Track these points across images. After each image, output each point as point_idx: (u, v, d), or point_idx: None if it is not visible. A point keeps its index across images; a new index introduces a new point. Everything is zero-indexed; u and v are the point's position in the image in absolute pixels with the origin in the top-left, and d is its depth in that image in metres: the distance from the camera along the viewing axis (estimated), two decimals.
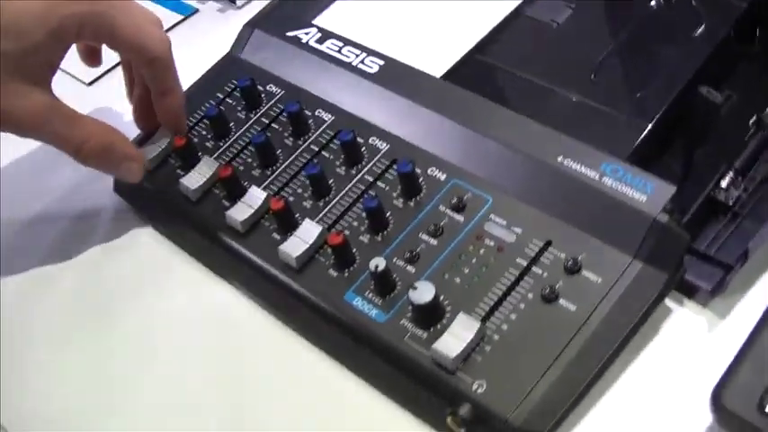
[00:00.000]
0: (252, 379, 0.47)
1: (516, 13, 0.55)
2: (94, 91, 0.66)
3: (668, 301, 0.45)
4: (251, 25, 0.58)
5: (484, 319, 0.42)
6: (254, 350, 0.48)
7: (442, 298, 0.43)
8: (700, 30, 0.53)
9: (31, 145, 0.58)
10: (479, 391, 0.41)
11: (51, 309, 0.52)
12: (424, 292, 0.42)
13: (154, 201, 0.53)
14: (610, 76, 0.52)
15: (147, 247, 0.54)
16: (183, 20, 0.70)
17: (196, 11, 0.71)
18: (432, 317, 0.43)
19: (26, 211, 0.58)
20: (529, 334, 0.42)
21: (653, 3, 0.55)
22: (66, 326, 0.51)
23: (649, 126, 0.48)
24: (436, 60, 0.52)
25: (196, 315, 0.50)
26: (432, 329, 0.43)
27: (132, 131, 0.56)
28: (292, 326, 0.48)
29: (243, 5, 0.69)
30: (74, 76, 0.66)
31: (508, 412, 0.40)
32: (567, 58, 0.54)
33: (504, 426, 0.40)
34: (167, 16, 0.70)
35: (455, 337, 0.41)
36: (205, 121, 0.54)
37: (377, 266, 0.44)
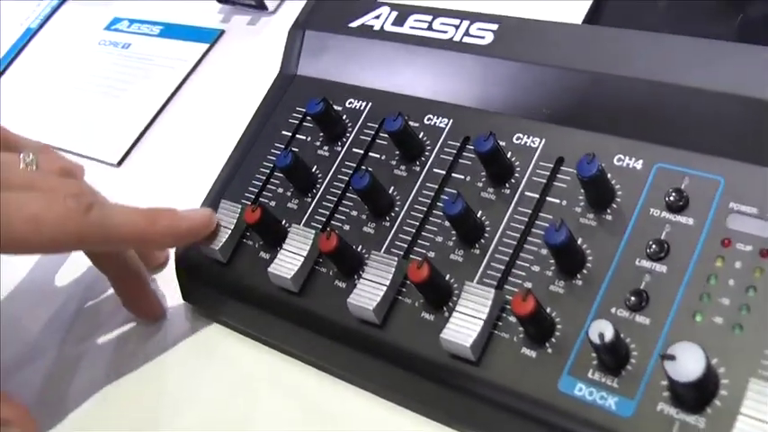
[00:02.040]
0: None
1: None
2: (124, 172, 0.53)
3: None
4: (299, 27, 0.43)
5: None
6: None
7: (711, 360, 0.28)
8: None
9: None
10: None
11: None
12: (689, 360, 0.27)
13: (237, 300, 0.39)
14: None
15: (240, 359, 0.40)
16: (211, 47, 0.56)
17: (222, 32, 0.57)
18: (704, 393, 0.28)
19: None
20: None
21: None
22: None
23: None
24: (566, 6, 0.37)
25: None
26: (708, 409, 0.28)
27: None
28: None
29: (276, 9, 0.54)
30: (101, 161, 0.54)
31: None
32: None
33: None
34: (192, 49, 0.57)
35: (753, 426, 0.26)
36: (278, 174, 0.39)
37: (602, 335, 0.29)
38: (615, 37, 0.35)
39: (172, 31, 0.60)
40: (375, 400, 0.36)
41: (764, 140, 0.31)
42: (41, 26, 0.70)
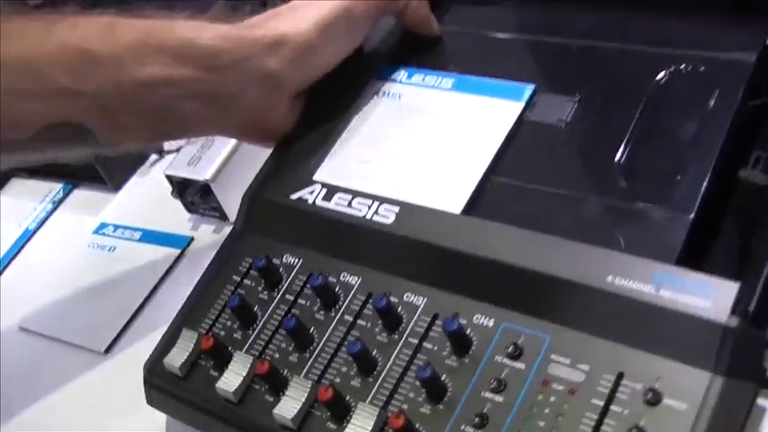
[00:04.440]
0: None
1: (520, 122, 0.52)
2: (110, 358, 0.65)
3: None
4: (251, 195, 0.55)
5: None
6: None
7: None
8: (714, 97, 0.50)
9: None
10: None
11: None
12: None
13: (192, 408, 0.50)
14: (634, 170, 0.49)
15: None
16: (182, 252, 0.69)
17: (192, 239, 0.70)
18: None
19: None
20: None
21: (659, 76, 0.53)
22: None
23: (692, 217, 0.45)
24: (452, 195, 0.50)
25: None
26: None
27: None
28: None
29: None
30: (89, 349, 0.65)
31: None
32: (584, 158, 0.51)
33: None
34: (167, 254, 0.70)
35: None
36: (228, 311, 0.51)
37: None
38: (481, 225, 0.48)
39: (150, 236, 0.73)
40: None
41: (579, 311, 0.44)
42: (38, 228, 0.82)
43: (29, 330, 0.70)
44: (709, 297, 0.41)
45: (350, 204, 0.52)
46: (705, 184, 0.46)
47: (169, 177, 0.68)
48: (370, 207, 0.51)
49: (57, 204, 0.84)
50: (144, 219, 0.76)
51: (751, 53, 0.50)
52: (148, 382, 0.52)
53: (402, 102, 0.56)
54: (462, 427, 0.42)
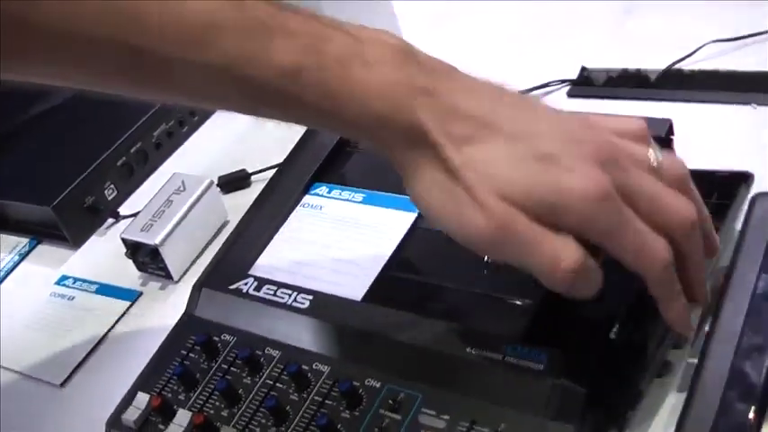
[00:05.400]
0: None
1: (413, 228, 0.66)
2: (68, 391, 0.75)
3: None
4: (199, 286, 0.69)
5: None
6: None
7: None
8: None
9: None
10: None
11: None
12: None
13: None
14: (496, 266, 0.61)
15: None
16: (132, 304, 0.80)
17: (141, 294, 0.81)
18: None
19: None
20: None
21: None
22: None
23: (536, 304, 0.58)
24: (355, 285, 0.63)
25: None
26: None
27: None
28: None
29: (180, 278, 0.80)
30: (43, 381, 0.76)
31: None
32: (461, 257, 0.64)
33: None
34: (118, 306, 0.80)
35: None
36: (174, 377, 0.63)
37: None
38: (375, 310, 0.61)
39: (104, 289, 0.83)
40: None
41: (445, 374, 0.56)
42: (5, 277, 0.92)
43: None
44: (543, 362, 0.53)
45: (275, 294, 0.64)
46: None
47: (124, 240, 0.79)
48: (290, 295, 0.64)
49: (23, 257, 0.93)
50: (100, 273, 0.86)
51: None
52: None
53: (323, 212, 0.70)
54: None
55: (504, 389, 0.54)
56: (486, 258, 0.61)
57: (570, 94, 0.81)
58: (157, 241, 0.77)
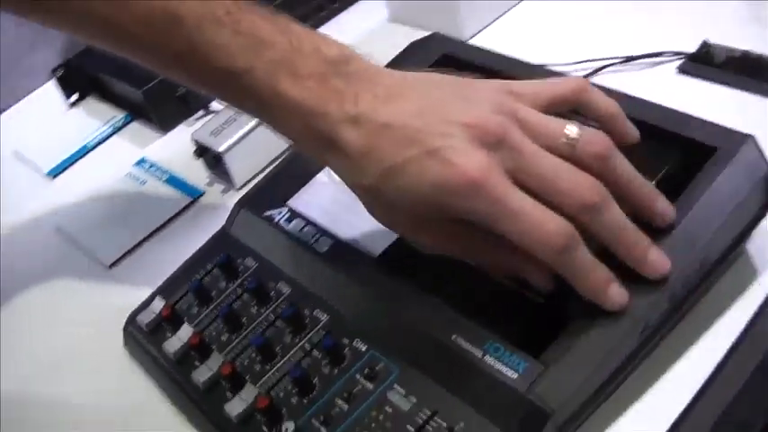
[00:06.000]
0: None
1: None
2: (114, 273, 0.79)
3: None
4: (239, 204, 0.70)
5: None
6: None
7: None
8: None
9: None
10: None
11: None
12: None
13: (148, 358, 0.66)
14: None
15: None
16: (193, 201, 0.84)
17: (203, 193, 0.84)
18: None
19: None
20: None
21: None
22: None
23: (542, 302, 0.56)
24: (377, 240, 0.62)
25: None
26: None
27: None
28: None
29: (240, 187, 0.82)
30: (98, 260, 0.80)
31: None
32: None
33: None
34: (181, 200, 0.84)
35: None
36: (191, 291, 0.66)
37: (287, 430, 0.54)
38: (384, 273, 0.60)
39: (174, 180, 0.87)
40: None
41: (425, 356, 0.55)
42: (94, 147, 0.98)
43: (62, 230, 0.86)
44: (518, 371, 0.52)
45: (301, 230, 0.65)
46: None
47: (194, 139, 0.82)
48: (314, 236, 0.64)
49: (116, 130, 0.99)
50: (174, 164, 0.89)
51: None
52: (126, 330, 0.69)
53: None
54: (312, 421, 0.56)
55: (474, 388, 0.53)
56: None
57: (681, 69, 0.74)
58: (222, 149, 0.79)
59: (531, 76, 0.58)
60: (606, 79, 0.75)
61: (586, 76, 0.75)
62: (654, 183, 0.56)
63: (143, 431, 0.63)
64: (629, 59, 0.75)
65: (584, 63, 0.76)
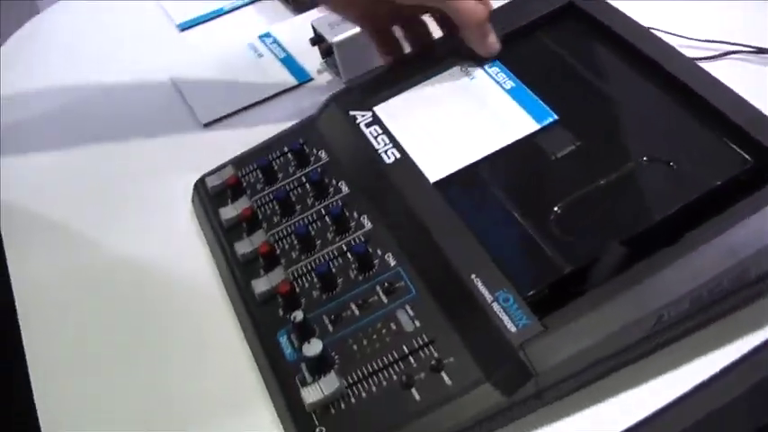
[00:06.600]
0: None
1: (528, 138, 0.63)
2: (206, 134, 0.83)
3: None
4: (332, 98, 0.72)
5: (350, 385, 0.54)
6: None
7: (335, 356, 0.56)
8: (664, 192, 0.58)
9: None
10: None
11: None
12: (312, 348, 0.55)
13: (207, 219, 0.71)
14: (564, 218, 0.59)
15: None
16: (299, 84, 0.86)
17: (310, 79, 0.87)
18: (316, 368, 0.56)
19: None
20: (375, 410, 0.53)
21: (644, 159, 0.60)
22: None
23: (567, 271, 0.55)
24: (440, 165, 0.63)
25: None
26: (315, 377, 0.56)
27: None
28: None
29: (347, 82, 0.83)
30: (196, 117, 0.85)
31: None
32: (542, 191, 0.62)
33: None
34: (288, 78, 0.87)
35: (317, 390, 0.54)
36: (259, 169, 0.69)
37: (295, 318, 0.57)
38: (437, 199, 0.61)
39: (288, 61, 0.90)
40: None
41: (443, 286, 0.57)
42: (228, 12, 1.01)
43: (174, 82, 0.90)
44: (518, 326, 0.52)
45: (376, 138, 0.67)
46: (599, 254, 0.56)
47: (313, 27, 0.83)
48: (385, 145, 0.66)
49: (253, 1, 1.02)
50: (294, 46, 0.91)
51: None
52: (195, 188, 0.73)
53: (472, 82, 0.69)
54: (323, 317, 0.59)
55: (474, 329, 0.54)
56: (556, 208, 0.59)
57: None
58: (336, 40, 0.80)
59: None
60: (731, 65, 0.71)
61: (711, 58, 0.72)
62: (714, 185, 0.56)
63: (182, 281, 0.68)
64: (760, 51, 0.71)
65: (714, 43, 0.73)
